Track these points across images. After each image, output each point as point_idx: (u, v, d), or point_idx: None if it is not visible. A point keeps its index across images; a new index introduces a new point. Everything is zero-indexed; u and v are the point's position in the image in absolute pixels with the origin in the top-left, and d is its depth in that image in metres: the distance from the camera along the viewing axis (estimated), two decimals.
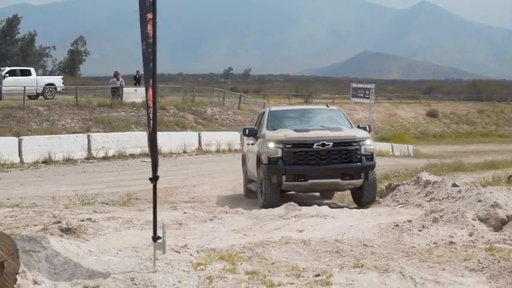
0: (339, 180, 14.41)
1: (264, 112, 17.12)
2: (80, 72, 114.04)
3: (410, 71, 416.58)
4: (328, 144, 14.26)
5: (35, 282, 4.08)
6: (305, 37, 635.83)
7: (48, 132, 32.33)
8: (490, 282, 4.85)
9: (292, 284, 4.50)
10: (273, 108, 17.60)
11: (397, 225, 8.31)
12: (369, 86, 61.32)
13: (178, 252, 5.34)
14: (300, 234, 7.56)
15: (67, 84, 49.14)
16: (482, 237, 7.52)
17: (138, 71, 54.40)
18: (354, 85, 67.43)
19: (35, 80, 44.80)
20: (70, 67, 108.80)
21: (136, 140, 32.01)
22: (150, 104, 4.94)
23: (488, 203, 9.24)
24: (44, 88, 44.89)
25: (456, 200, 10.46)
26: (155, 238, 5.08)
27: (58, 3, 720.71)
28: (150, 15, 4.87)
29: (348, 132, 15.19)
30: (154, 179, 5.24)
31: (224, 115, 47.60)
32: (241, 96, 57.28)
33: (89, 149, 29.47)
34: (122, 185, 19.63)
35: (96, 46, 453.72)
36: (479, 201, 9.49)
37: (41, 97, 43.88)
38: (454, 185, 13.43)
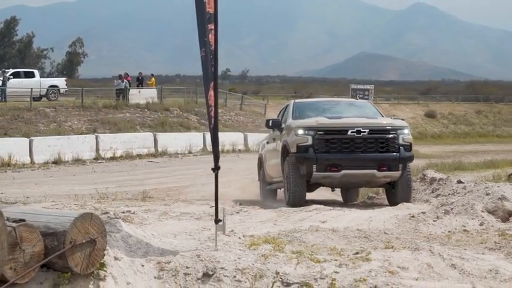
0: (375, 171, 13.07)
1: (288, 104, 15.68)
2: (78, 74, 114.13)
3: (407, 72, 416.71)
4: (364, 132, 13.08)
5: (116, 258, 4.71)
6: (302, 38, 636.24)
7: (56, 133, 32.95)
8: (508, 258, 5.52)
9: (336, 260, 5.12)
10: (298, 100, 16.48)
11: (413, 216, 8.98)
12: (368, 87, 62.16)
13: (229, 236, 6.00)
14: (324, 225, 8.18)
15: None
16: (492, 226, 8.19)
17: (140, 73, 54.98)
18: (354, 86, 68.23)
19: (39, 82, 45.37)
20: (68, 69, 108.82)
21: (143, 140, 32.72)
22: (211, 103, 5.54)
23: (495, 196, 9.89)
24: (47, 90, 45.45)
25: (465, 194, 11.11)
26: (217, 221, 5.80)
27: (55, 5, 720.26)
28: (211, 26, 5.46)
29: (385, 119, 14.15)
30: (216, 168, 5.91)
31: (227, 116, 48.17)
32: (243, 97, 57.77)
33: (97, 150, 30.16)
34: (133, 184, 20.08)
35: (94, 48, 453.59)
36: (487, 194, 10.14)
37: (44, 99, 44.43)
38: (459, 182, 14.05)
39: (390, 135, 13.20)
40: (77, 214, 4.40)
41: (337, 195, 15.75)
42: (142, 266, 4.87)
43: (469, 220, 8.65)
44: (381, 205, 13.69)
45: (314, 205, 11.28)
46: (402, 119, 14.59)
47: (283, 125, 14.50)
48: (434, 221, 8.67)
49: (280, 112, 16.24)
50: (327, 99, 17.97)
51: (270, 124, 14.88)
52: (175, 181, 21.57)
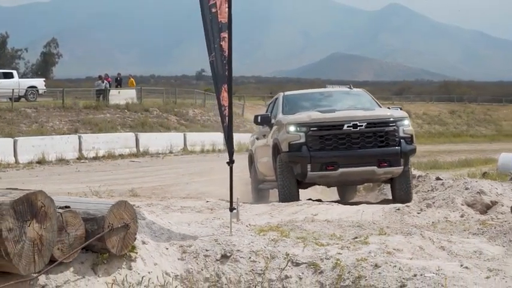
0: (374, 168, 12.16)
1: (276, 98, 14.63)
2: (53, 75, 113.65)
3: (381, 73, 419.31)
4: (361, 125, 12.10)
5: (143, 242, 5.28)
6: (276, 39, 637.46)
7: (38, 133, 33.38)
8: (490, 241, 6.18)
9: (338, 244, 5.71)
10: (288, 92, 15.06)
11: (398, 209, 9.61)
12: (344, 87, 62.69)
13: (237, 224, 6.58)
14: (317, 217, 8.75)
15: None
16: (472, 217, 8.86)
17: (119, 74, 55.37)
18: (330, 86, 68.88)
19: (18, 83, 45.48)
20: (42, 69, 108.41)
21: (125, 140, 33.18)
22: (225, 103, 6.10)
23: (474, 190, 10.61)
24: (26, 90, 45.60)
25: (445, 189, 11.78)
26: (231, 209, 6.40)
27: (29, 5, 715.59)
28: (224, 34, 6.01)
29: (383, 111, 13.08)
30: (231, 162, 6.45)
31: (205, 116, 48.72)
32: None
33: (80, 150, 30.59)
34: (119, 183, 20.39)
35: (67, 48, 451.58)
36: (467, 189, 10.85)
37: (22, 99, 44.62)
38: (438, 179, 14.75)
39: (390, 128, 12.29)
40: (114, 202, 4.97)
41: (322, 194, 15.33)
42: (167, 249, 5.46)
43: (451, 212, 9.33)
44: (362, 202, 14.11)
45: (303, 200, 11.79)
46: (400, 108, 13.64)
47: (273, 120, 13.47)
48: (418, 213, 9.33)
49: (269, 106, 15.33)
50: (318, 90, 16.18)
51: (259, 120, 13.65)
52: (159, 180, 21.93)
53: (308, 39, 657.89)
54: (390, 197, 13.53)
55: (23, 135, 31.98)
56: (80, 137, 31.28)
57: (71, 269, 4.70)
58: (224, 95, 6.02)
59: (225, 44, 5.98)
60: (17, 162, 27.61)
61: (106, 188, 17.60)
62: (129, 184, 19.95)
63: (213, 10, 6.16)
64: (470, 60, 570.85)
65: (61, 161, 28.91)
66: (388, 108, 13.70)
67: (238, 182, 17.28)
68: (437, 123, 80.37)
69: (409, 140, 12.44)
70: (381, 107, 13.79)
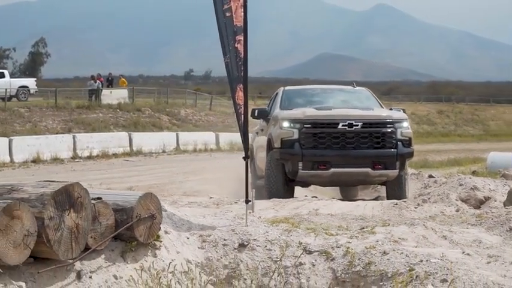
0: (368, 170, 11.81)
1: (277, 92, 14.26)
2: (41, 74, 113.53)
3: (369, 73, 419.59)
4: (357, 125, 11.77)
5: (166, 232, 5.65)
6: (264, 39, 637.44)
7: (32, 132, 33.66)
8: (488, 231, 6.57)
9: (346, 234, 6.09)
10: (288, 87, 14.67)
11: (396, 204, 9.98)
12: None
13: (250, 216, 6.94)
14: (319, 211, 9.14)
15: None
16: (467, 211, 9.28)
17: (110, 73, 55.65)
18: None
19: (9, 82, 45.63)
20: (31, 69, 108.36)
21: (119, 140, 33.44)
22: (240, 102, 6.45)
23: (468, 186, 11.05)
24: (17, 90, 45.77)
25: (440, 185, 12.20)
26: (247, 201, 6.77)
27: (15, 4, 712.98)
28: (239, 37, 6.37)
29: (381, 111, 12.75)
30: (246, 157, 6.77)
31: (197, 116, 49.04)
32: (212, 97, 58.60)
33: (75, 149, 30.81)
34: (115, 182, 20.64)
35: (56, 48, 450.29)
36: (461, 185, 11.29)
37: (14, 99, 44.76)
38: (431, 176, 15.23)
39: (387, 129, 11.97)
40: (141, 193, 5.35)
41: (317, 192, 15.11)
42: (188, 238, 5.84)
43: (446, 207, 9.74)
44: (358, 199, 14.45)
45: (300, 197, 12.15)
46: (403, 110, 13.33)
47: (270, 115, 13.18)
48: (415, 208, 9.72)
49: (270, 101, 14.88)
50: (320, 86, 15.73)
51: (256, 114, 13.16)
52: (155, 179, 22.19)
53: (296, 39, 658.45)
54: (384, 195, 13.44)
55: (17, 135, 32.18)
56: (74, 137, 31.52)
57: (103, 256, 5.06)
58: (239, 94, 6.38)
59: (240, 46, 6.34)
60: (12, 161, 27.81)
61: (106, 186, 17.92)
62: (126, 183, 20.22)
63: (228, 14, 6.50)
64: (458, 61, 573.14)
65: (56, 160, 29.13)
66: (390, 109, 13.39)
67: (228, 181, 17.55)
68: (426, 123, 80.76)
69: (407, 142, 12.10)
70: (382, 107, 13.49)
